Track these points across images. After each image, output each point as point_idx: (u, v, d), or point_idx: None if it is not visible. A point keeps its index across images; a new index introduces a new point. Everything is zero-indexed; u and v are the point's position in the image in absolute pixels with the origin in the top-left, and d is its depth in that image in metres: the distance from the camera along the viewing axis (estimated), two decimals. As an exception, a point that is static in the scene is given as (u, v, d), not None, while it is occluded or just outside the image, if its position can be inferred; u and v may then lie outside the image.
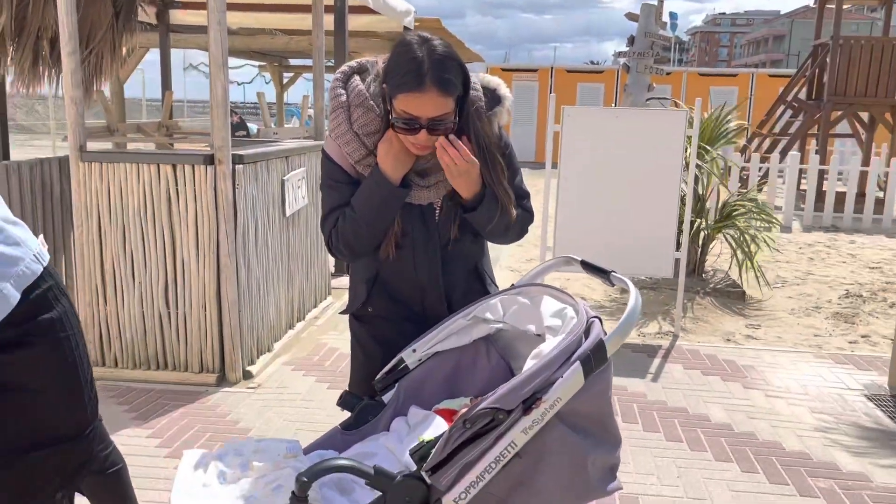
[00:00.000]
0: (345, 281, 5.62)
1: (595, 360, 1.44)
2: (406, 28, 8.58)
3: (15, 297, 1.61)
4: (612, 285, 1.70)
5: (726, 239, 5.96)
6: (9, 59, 4.47)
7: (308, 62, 12.05)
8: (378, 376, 1.80)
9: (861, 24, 46.43)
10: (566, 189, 4.79)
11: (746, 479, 3.05)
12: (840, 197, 10.56)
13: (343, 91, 1.81)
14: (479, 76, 1.91)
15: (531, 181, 4.45)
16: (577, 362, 1.43)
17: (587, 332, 1.53)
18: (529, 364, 1.48)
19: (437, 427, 1.61)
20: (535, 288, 1.76)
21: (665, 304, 5.63)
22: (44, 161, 4.54)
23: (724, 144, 5.95)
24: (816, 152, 11.06)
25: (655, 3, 8.17)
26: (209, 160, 3.73)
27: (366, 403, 1.77)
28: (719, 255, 6.64)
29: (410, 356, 1.79)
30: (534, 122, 19.03)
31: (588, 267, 1.76)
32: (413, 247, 1.87)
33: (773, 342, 4.92)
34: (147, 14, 5.58)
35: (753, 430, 3.52)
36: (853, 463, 3.21)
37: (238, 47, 11.44)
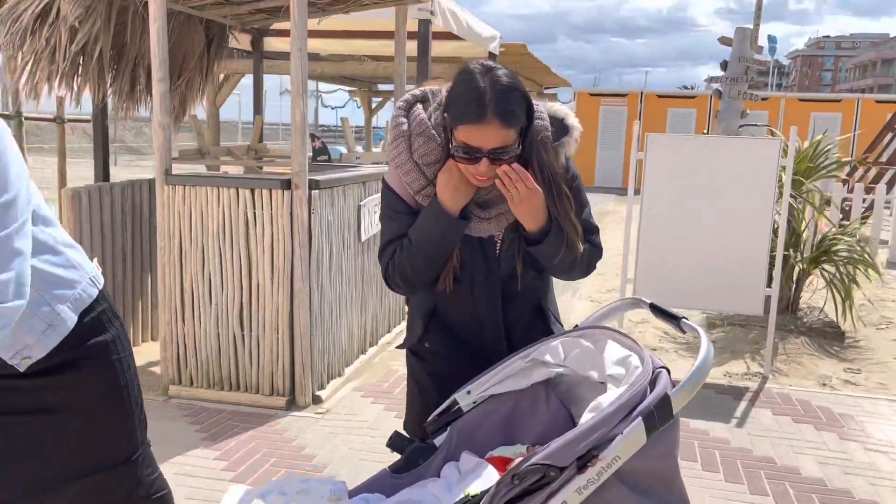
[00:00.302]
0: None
1: (659, 416, 1.31)
2: (491, 54, 8.59)
3: (73, 319, 1.62)
4: (683, 332, 1.56)
5: (823, 275, 5.60)
6: (108, 84, 4.68)
7: (395, 87, 12.18)
8: (430, 418, 1.72)
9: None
10: (649, 219, 4.60)
11: (840, 543, 2.79)
12: (954, 231, 9.80)
13: (405, 120, 1.77)
14: (547, 105, 1.82)
15: (617, 208, 4.32)
16: (639, 418, 1.31)
17: (653, 385, 1.40)
18: (587, 417, 1.37)
19: (488, 478, 1.51)
20: (599, 331, 1.65)
21: (755, 342, 5.32)
22: (134, 183, 4.73)
23: (824, 177, 5.60)
24: (928, 183, 10.34)
25: (751, 26, 7.87)
26: (286, 185, 3.77)
27: (416, 446, 1.69)
28: (815, 292, 6.24)
29: (465, 398, 1.71)
30: (621, 148, 18.69)
31: (658, 311, 1.63)
32: (472, 281, 1.79)
33: (874, 389, 4.55)
34: (238, 41, 5.77)
35: (849, 487, 3.24)
36: (965, 531, 2.89)
37: (329, 73, 11.75)
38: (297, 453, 3.38)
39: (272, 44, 8.82)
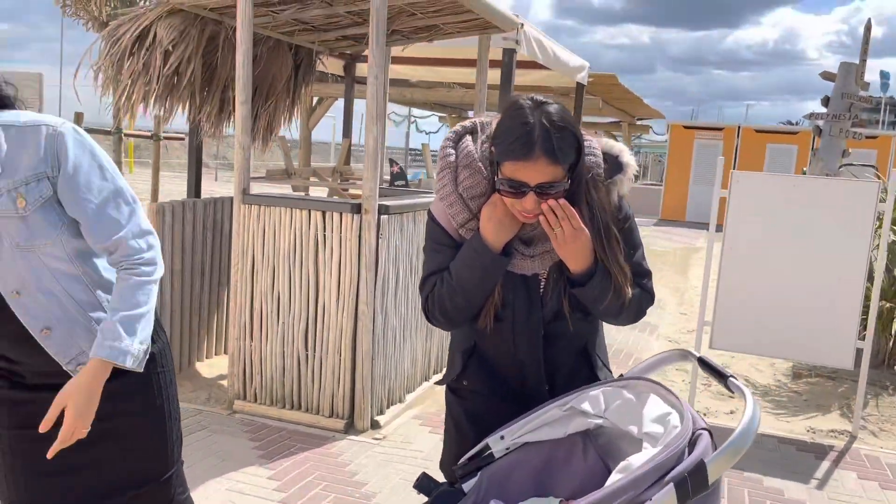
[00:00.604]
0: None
1: (693, 484, 1.21)
2: (579, 84, 8.49)
3: None
4: (732, 392, 1.44)
5: (926, 329, 5.19)
6: (198, 105, 4.88)
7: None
8: (461, 461, 1.66)
9: None
10: (730, 259, 4.39)
11: None
12: None
13: (453, 151, 1.73)
14: (602, 141, 1.75)
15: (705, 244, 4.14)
16: (671, 485, 1.21)
17: (692, 447, 1.30)
18: (614, 478, 1.27)
19: (512, 531, 1.43)
20: (644, 383, 1.55)
21: (844, 397, 4.97)
22: (217, 200, 4.89)
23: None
24: None
25: (857, 61, 7.47)
26: (356, 209, 3.81)
27: (444, 490, 1.62)
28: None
29: (497, 443, 1.64)
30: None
31: (705, 366, 1.52)
32: (513, 320, 1.72)
33: (978, 458, 4.15)
34: (326, 67, 5.91)
35: (940, 567, 2.94)
36: None
37: (419, 99, 11.94)
38: (348, 479, 3.36)
39: (364, 69, 9.02)
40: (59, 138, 1.54)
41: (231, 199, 4.96)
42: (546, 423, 1.62)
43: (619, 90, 10.71)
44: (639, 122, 17.17)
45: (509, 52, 5.81)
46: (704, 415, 4.55)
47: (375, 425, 3.95)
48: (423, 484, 1.65)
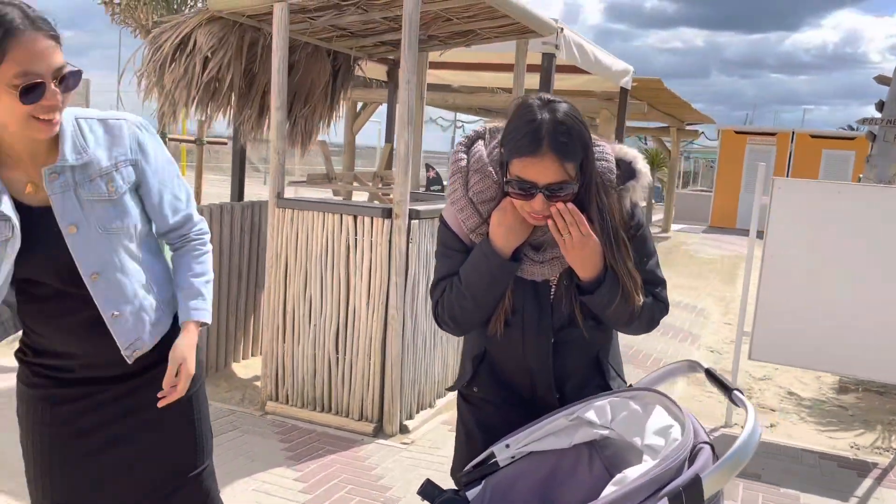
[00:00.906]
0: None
1: (687, 498, 1.17)
2: (623, 88, 8.39)
3: (170, 319, 1.76)
4: (737, 406, 1.40)
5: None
6: (238, 110, 4.97)
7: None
8: (465, 469, 1.64)
9: None
10: (771, 268, 4.27)
11: None
12: None
13: (464, 156, 1.72)
14: (616, 147, 1.72)
15: (757, 253, 4.03)
16: (665, 499, 1.18)
17: (692, 462, 1.26)
18: (609, 490, 1.24)
19: (510, 541, 1.41)
20: (651, 394, 1.51)
21: (893, 413, 4.78)
22: (254, 203, 4.97)
23: None
24: None
25: (914, 64, 7.20)
26: (387, 213, 3.82)
27: (447, 497, 1.61)
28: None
29: (502, 451, 1.62)
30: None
31: (712, 378, 1.48)
32: (523, 326, 1.70)
33: None
34: (363, 71, 5.96)
35: None
36: None
37: (462, 104, 11.96)
38: (374, 482, 3.36)
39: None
40: (140, 130, 1.70)
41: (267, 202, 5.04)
42: (551, 432, 1.60)
43: (665, 94, 10.54)
44: (688, 128, 16.87)
45: (549, 57, 5.78)
46: (743, 428, 4.43)
47: (404, 430, 3.95)
48: (427, 490, 1.63)
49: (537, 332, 1.70)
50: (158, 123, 5.47)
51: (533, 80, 6.01)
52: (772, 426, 4.52)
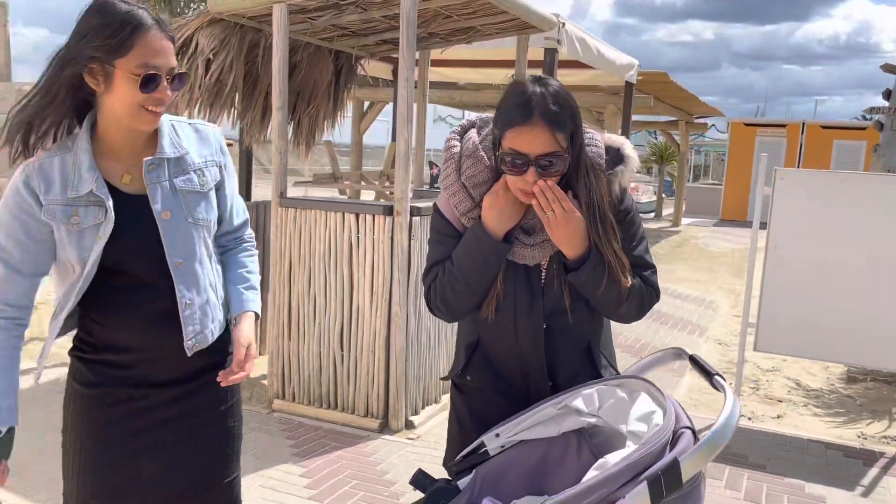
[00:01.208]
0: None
1: (666, 482, 1.19)
2: (628, 83, 8.37)
3: (223, 319, 1.83)
4: (717, 390, 1.41)
5: None
6: (241, 112, 5.01)
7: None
8: (456, 459, 1.66)
9: None
10: (775, 260, 4.25)
11: None
12: None
13: (457, 143, 1.76)
14: (605, 135, 1.75)
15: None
16: (644, 483, 1.19)
17: (673, 446, 1.28)
18: (590, 475, 1.26)
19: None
20: (637, 382, 1.53)
21: (901, 402, 4.76)
22: (259, 204, 5.01)
23: None
24: None
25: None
26: (389, 211, 3.85)
27: (438, 487, 1.63)
28: None
29: (492, 441, 1.64)
30: (779, 181, 17.51)
31: (695, 364, 1.49)
32: (515, 311, 1.71)
33: None
34: (365, 70, 5.98)
35: None
36: None
37: (468, 101, 11.95)
38: (378, 477, 3.39)
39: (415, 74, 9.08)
40: (221, 138, 1.84)
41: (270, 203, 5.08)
42: (540, 421, 1.61)
43: (671, 88, 10.51)
44: (697, 121, 16.80)
45: (551, 52, 5.78)
46: (749, 419, 4.43)
47: (410, 425, 3.98)
48: (419, 480, 1.66)
49: (529, 317, 1.71)
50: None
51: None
52: (779, 417, 4.51)
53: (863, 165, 16.33)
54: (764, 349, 4.36)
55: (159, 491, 1.76)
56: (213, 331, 1.77)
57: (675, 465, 1.19)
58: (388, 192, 6.98)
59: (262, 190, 7.34)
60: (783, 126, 17.76)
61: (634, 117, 14.67)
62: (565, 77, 7.65)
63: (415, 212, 3.87)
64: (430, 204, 4.09)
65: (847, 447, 4.02)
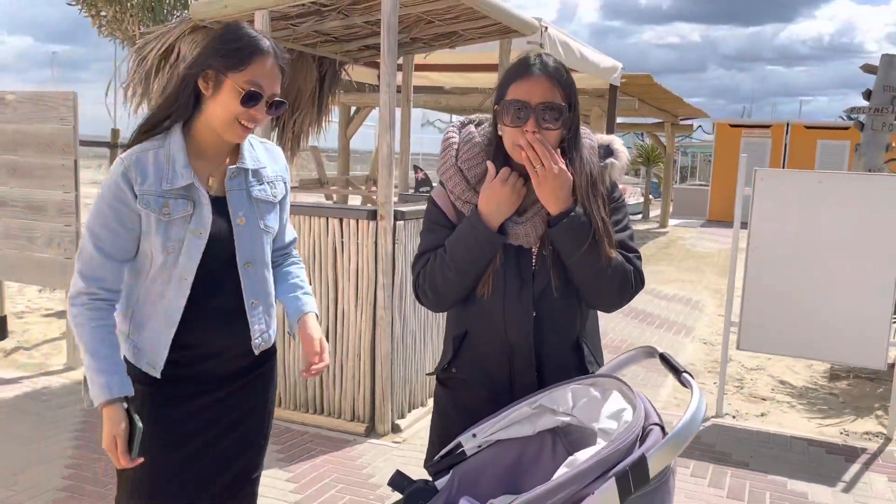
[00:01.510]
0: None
1: (633, 477, 1.21)
2: (612, 86, 8.43)
3: (275, 328, 1.97)
4: (685, 386, 1.44)
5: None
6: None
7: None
8: (434, 459, 1.68)
9: None
10: (756, 260, 4.30)
11: None
12: None
13: (455, 134, 1.82)
14: (596, 135, 1.80)
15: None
16: (613, 479, 1.22)
17: (643, 441, 1.30)
18: (560, 473, 1.29)
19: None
20: (609, 380, 1.55)
21: (883, 398, 4.81)
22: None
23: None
24: None
25: (900, 52, 7.23)
26: (372, 215, 3.87)
27: (416, 487, 1.64)
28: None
29: (469, 441, 1.65)
30: (765, 181, 17.63)
31: (665, 361, 1.52)
32: (504, 296, 1.73)
33: None
34: (349, 75, 6.01)
35: (969, 573, 2.83)
36: None
37: (455, 105, 12.00)
38: (364, 481, 3.41)
39: (401, 78, 9.12)
40: (285, 159, 2.01)
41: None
42: (516, 420, 1.63)
43: (656, 90, 10.58)
44: (682, 122, 16.91)
45: (533, 56, 5.82)
46: (734, 417, 4.47)
47: (396, 429, 4.00)
48: (397, 481, 1.67)
49: (518, 302, 1.72)
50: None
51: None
52: (763, 415, 4.55)
53: (847, 165, 16.48)
54: (746, 348, 4.41)
55: (201, 487, 1.85)
56: (272, 331, 1.93)
57: (642, 461, 1.21)
58: (374, 197, 7.00)
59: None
60: (768, 127, 17.90)
61: (620, 119, 14.75)
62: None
63: (399, 216, 3.89)
64: (414, 208, 4.11)
65: (829, 444, 4.07)
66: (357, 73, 6.66)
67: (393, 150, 3.85)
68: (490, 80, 9.35)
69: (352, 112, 11.65)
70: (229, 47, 1.69)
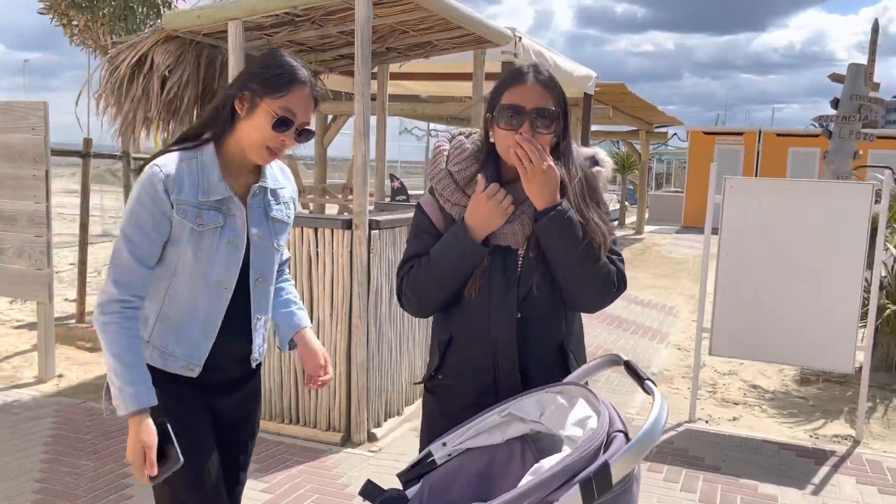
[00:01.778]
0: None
1: (597, 484, 1.24)
2: (587, 94, 8.51)
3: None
4: (648, 393, 1.47)
5: (936, 331, 5.10)
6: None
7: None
8: (405, 468, 1.70)
9: None
10: (727, 266, 4.37)
11: None
12: None
13: (447, 144, 1.88)
14: (579, 149, 1.88)
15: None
16: (577, 485, 1.24)
17: (607, 448, 1.33)
18: (526, 480, 1.31)
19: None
20: (576, 388, 1.58)
21: (852, 401, 4.89)
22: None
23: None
24: None
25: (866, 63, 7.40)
26: (347, 225, 3.88)
27: (388, 496, 1.66)
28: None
29: (440, 450, 1.67)
30: (738, 188, 17.87)
31: (629, 369, 1.55)
32: (489, 297, 1.76)
33: None
34: (324, 84, 6.01)
35: (933, 572, 2.89)
36: None
37: (431, 113, 12.04)
38: (340, 491, 3.40)
39: (376, 86, 9.13)
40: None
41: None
42: (485, 429, 1.65)
43: (630, 98, 10.70)
44: (657, 130, 17.09)
45: (508, 66, 5.88)
46: (706, 422, 4.53)
47: (372, 438, 4.00)
48: (368, 490, 1.69)
49: (503, 301, 1.75)
50: (121, 143, 5.50)
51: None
52: (735, 419, 4.61)
53: (817, 172, 16.75)
54: (718, 353, 4.47)
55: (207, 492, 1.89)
56: (264, 348, 2.00)
57: (605, 468, 1.24)
58: (350, 206, 7.00)
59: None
60: (740, 134, 18.16)
61: (595, 128, 14.87)
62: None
63: (374, 225, 3.90)
64: (389, 217, 4.13)
65: (799, 447, 4.13)
66: (333, 81, 6.66)
67: (368, 160, 3.87)
68: (466, 88, 9.38)
69: (328, 120, 11.64)
70: (270, 73, 1.75)
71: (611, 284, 1.75)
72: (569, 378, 1.69)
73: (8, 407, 4.31)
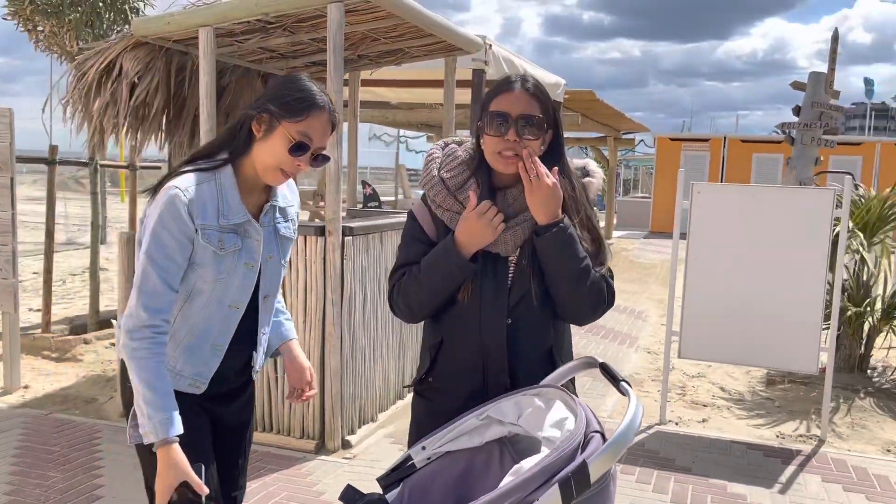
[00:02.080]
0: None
1: (575, 483, 1.27)
2: (556, 101, 8.60)
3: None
4: (623, 395, 1.50)
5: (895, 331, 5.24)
6: (168, 135, 4.96)
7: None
8: (384, 472, 1.71)
9: None
10: (695, 271, 4.46)
11: None
12: None
13: (439, 152, 1.91)
14: (571, 160, 1.91)
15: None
16: (556, 485, 1.27)
17: (585, 448, 1.36)
18: (506, 481, 1.33)
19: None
20: (553, 390, 1.61)
21: (817, 402, 5.01)
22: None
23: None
24: None
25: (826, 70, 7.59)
26: (321, 231, 3.87)
27: (368, 500, 1.67)
28: (890, 350, 5.84)
29: (419, 453, 1.69)
30: (704, 193, 18.16)
31: (605, 371, 1.58)
32: (480, 302, 1.79)
33: (946, 458, 4.19)
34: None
35: (896, 566, 2.98)
36: None
37: (402, 120, 12.04)
38: (315, 499, 3.40)
39: (347, 93, 9.12)
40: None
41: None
42: (464, 432, 1.67)
43: (598, 105, 10.83)
44: (624, 136, 17.31)
45: (479, 73, 5.93)
46: (676, 424, 4.60)
47: (346, 445, 3.99)
48: (348, 495, 1.69)
49: (494, 307, 1.78)
50: (89, 150, 5.43)
51: (465, 96, 6.16)
52: (704, 421, 4.69)
53: (780, 177, 17.10)
54: (687, 356, 4.55)
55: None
56: (263, 360, 2.05)
57: (583, 467, 1.27)
58: (322, 212, 6.99)
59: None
60: (706, 140, 18.46)
61: (565, 135, 15.03)
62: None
63: (347, 232, 3.91)
64: (363, 224, 4.14)
65: (767, 447, 4.22)
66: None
67: (340, 166, 3.88)
68: (436, 95, 9.43)
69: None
70: (290, 96, 1.76)
71: (602, 300, 1.80)
72: (546, 380, 1.71)
73: (-28, 419, 4.23)
